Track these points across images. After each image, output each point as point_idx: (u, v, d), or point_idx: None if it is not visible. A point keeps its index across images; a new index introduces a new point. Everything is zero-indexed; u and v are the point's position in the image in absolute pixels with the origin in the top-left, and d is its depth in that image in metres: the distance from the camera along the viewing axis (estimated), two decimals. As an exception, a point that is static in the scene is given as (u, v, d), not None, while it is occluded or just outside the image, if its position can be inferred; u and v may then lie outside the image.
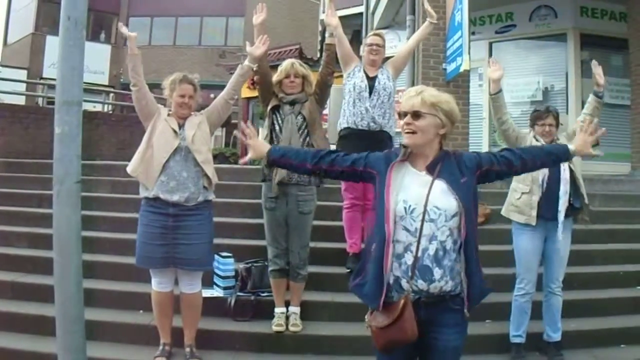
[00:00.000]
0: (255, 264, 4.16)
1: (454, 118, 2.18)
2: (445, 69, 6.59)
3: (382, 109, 4.19)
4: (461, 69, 5.91)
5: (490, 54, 8.61)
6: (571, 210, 3.58)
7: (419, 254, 2.05)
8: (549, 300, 3.67)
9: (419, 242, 2.05)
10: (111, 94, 16.65)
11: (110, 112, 13.38)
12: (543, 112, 3.68)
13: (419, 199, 2.07)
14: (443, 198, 2.08)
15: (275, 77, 3.85)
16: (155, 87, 3.77)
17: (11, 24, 21.02)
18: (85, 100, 6.55)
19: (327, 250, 4.56)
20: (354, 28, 11.58)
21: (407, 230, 2.08)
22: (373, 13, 10.55)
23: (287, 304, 3.87)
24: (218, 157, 12.77)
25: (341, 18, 4.46)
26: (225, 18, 21.80)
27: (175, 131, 3.40)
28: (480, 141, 8.69)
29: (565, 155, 2.35)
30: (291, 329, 3.76)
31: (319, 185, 3.86)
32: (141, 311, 3.90)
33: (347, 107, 4.26)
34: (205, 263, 3.54)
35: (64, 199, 2.81)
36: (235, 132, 2.51)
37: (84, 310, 2.91)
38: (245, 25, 18.74)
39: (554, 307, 3.65)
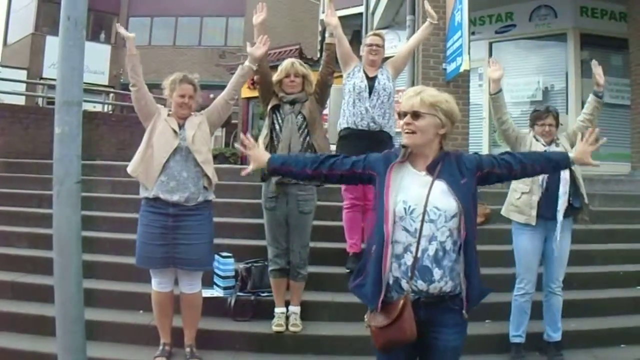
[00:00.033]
0: (255, 264, 4.16)
1: (453, 118, 2.18)
2: (445, 69, 6.59)
3: (382, 109, 4.19)
4: (461, 69, 5.92)
5: (490, 54, 8.61)
6: (571, 210, 3.58)
7: (419, 254, 2.05)
8: (549, 300, 3.67)
9: (418, 243, 2.05)
10: (111, 94, 16.65)
11: (110, 112, 13.37)
12: (543, 112, 3.69)
13: (418, 199, 2.07)
14: (443, 199, 2.08)
15: (275, 77, 3.85)
16: (155, 87, 3.77)
17: (11, 24, 21.00)
18: (85, 101, 6.56)
19: (327, 250, 4.56)
20: (354, 28, 11.57)
21: (407, 230, 2.08)
22: (373, 13, 10.55)
23: (287, 304, 3.87)
24: (218, 157, 12.76)
25: (341, 18, 4.46)
26: (225, 18, 21.78)
27: (175, 131, 3.40)
28: (480, 141, 8.69)
29: (564, 163, 2.38)
30: (291, 329, 3.76)
31: (319, 185, 3.86)
32: (141, 311, 3.90)
33: (346, 108, 4.26)
34: (205, 263, 3.54)
35: (64, 199, 2.81)
36: (235, 144, 2.51)
37: (84, 310, 2.92)
38: (245, 25, 18.74)
39: (554, 307, 3.65)
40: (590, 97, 3.81)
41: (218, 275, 4.18)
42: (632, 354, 3.73)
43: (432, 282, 2.06)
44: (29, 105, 11.85)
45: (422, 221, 2.05)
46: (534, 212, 3.54)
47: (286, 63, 3.87)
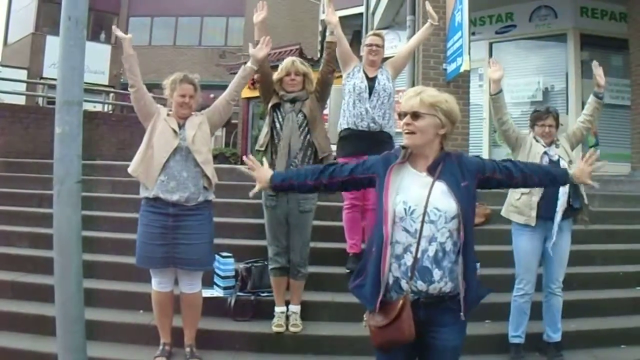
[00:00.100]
0: (255, 264, 4.16)
1: (453, 118, 2.18)
2: (445, 69, 6.59)
3: (382, 109, 4.19)
4: (461, 69, 5.92)
5: (491, 54, 8.61)
6: (571, 211, 3.58)
7: (419, 255, 2.06)
8: (549, 301, 3.67)
9: (418, 243, 2.06)
10: (111, 94, 16.64)
11: (111, 112, 13.38)
12: (543, 113, 3.69)
13: (419, 200, 2.07)
14: (443, 199, 2.08)
15: (275, 75, 3.85)
16: (155, 87, 3.77)
17: (11, 24, 21.01)
18: (86, 100, 6.54)
19: (327, 250, 4.56)
20: (354, 28, 11.56)
21: (407, 231, 2.08)
22: (373, 13, 10.55)
23: (287, 304, 3.87)
24: (218, 157, 12.78)
25: (341, 18, 4.46)
26: (225, 18, 21.81)
27: (175, 131, 3.40)
28: (480, 141, 8.68)
29: (562, 179, 2.43)
30: (291, 329, 3.76)
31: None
32: (141, 311, 3.90)
33: (347, 108, 4.26)
34: (206, 263, 3.54)
35: (64, 198, 2.81)
36: (240, 168, 2.58)
37: (84, 310, 2.92)
38: (245, 25, 18.72)
39: (554, 308, 3.65)
40: (591, 98, 3.81)
41: (218, 275, 4.19)
42: (632, 355, 3.73)
43: (431, 282, 2.06)
44: (29, 105, 11.86)
45: (423, 222, 2.05)
46: (533, 213, 3.54)
47: (287, 61, 3.88)
